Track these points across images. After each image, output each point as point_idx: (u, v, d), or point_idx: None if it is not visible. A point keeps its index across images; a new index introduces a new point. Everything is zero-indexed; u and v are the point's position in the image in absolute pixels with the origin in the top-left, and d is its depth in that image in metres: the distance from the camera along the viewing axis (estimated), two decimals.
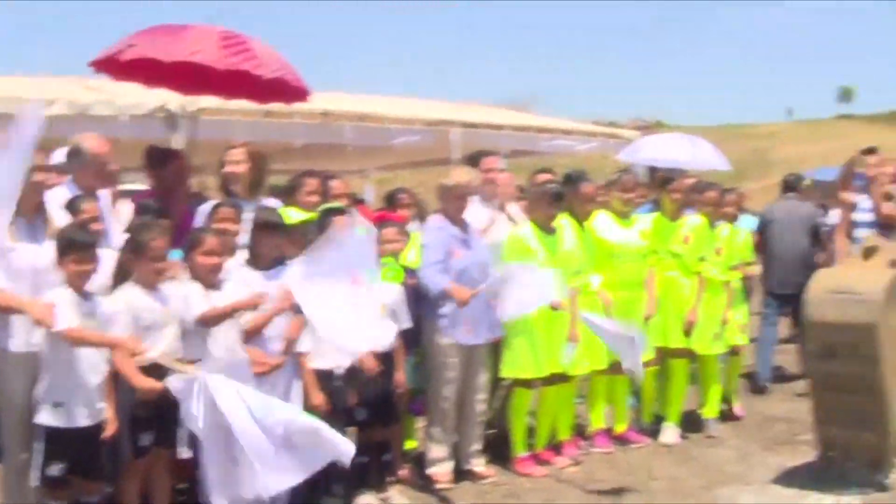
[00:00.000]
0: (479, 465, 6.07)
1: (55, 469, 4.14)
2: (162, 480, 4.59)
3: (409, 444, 6.31)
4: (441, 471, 5.85)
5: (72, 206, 4.71)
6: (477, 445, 6.08)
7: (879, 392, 5.27)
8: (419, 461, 6.06)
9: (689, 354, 7.10)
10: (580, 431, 6.84)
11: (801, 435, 6.82)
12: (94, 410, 4.24)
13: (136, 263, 4.41)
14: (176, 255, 4.73)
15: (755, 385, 8.56)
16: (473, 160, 6.83)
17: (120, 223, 5.13)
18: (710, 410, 7.27)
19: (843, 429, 5.49)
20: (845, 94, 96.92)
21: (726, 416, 7.54)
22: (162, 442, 4.44)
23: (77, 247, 4.18)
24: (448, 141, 9.12)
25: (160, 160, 5.82)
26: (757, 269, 7.77)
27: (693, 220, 7.14)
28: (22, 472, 4.22)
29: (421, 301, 5.82)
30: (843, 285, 5.37)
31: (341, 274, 4.67)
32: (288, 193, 6.11)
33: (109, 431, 4.27)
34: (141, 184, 7.03)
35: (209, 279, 4.64)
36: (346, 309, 4.61)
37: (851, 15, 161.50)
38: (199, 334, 4.54)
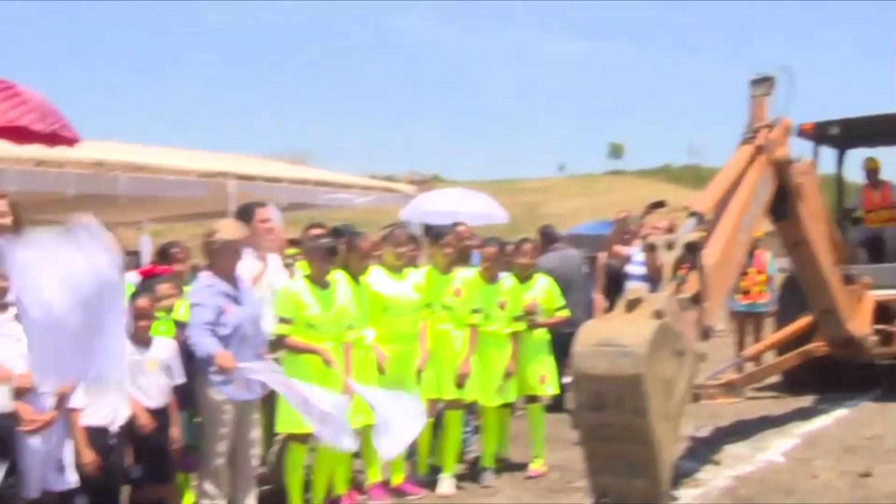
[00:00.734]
0: None
1: None
2: None
3: (187, 501, 6.32)
4: None
5: None
6: (251, 501, 6.13)
7: (648, 441, 5.52)
8: None
9: (463, 406, 7.42)
10: (358, 485, 6.99)
11: (575, 482, 7.19)
12: None
13: None
14: None
15: None
16: (245, 212, 6.94)
17: None
18: (487, 460, 7.57)
19: (616, 477, 5.70)
20: (615, 151, 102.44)
21: (506, 465, 7.87)
22: None
23: None
24: (225, 193, 9.17)
25: None
26: (566, 314, 8.09)
27: (464, 273, 7.50)
28: None
29: (194, 356, 5.88)
30: (608, 338, 5.58)
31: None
32: None
33: None
34: None
35: None
36: None
37: (620, 72, 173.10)
38: None
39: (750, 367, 12.23)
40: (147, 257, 10.19)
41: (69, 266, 4.13)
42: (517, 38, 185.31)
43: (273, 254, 6.92)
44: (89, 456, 4.96)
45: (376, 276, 7.01)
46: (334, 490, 6.59)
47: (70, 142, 5.87)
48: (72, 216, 4.55)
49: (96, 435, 5.05)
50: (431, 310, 7.27)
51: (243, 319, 5.94)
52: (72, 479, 4.99)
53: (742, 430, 9.36)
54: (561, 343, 7.90)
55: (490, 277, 7.58)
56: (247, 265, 6.37)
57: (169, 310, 5.93)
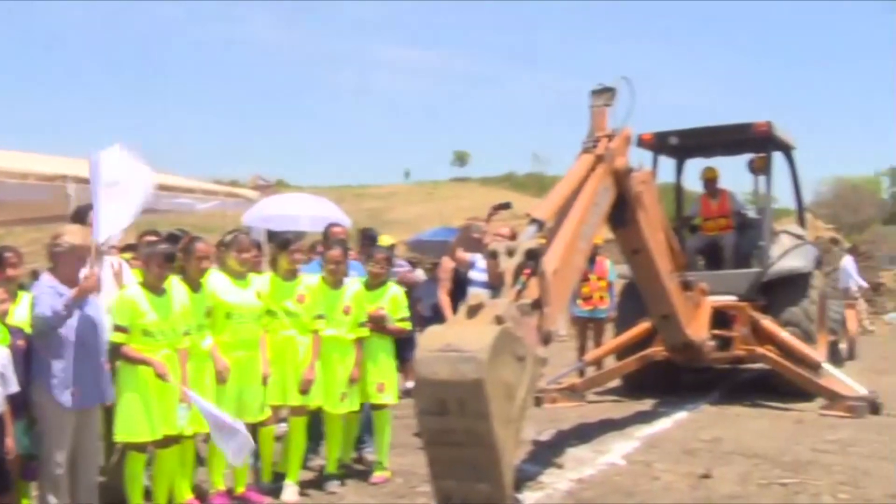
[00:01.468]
0: None
1: None
2: None
3: None
4: None
5: None
6: None
7: (491, 445, 5.61)
8: None
9: (307, 412, 7.51)
10: (200, 494, 6.99)
11: (419, 487, 7.35)
12: None
13: None
14: None
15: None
16: (80, 215, 6.86)
17: None
18: (332, 467, 7.66)
19: (459, 481, 5.77)
20: (460, 158, 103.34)
21: (351, 472, 7.98)
22: None
23: None
24: (65, 197, 8.97)
25: None
26: (406, 325, 8.21)
27: (308, 279, 7.60)
28: None
29: (30, 364, 5.84)
30: (450, 343, 5.65)
31: None
32: None
33: None
34: None
35: None
36: None
37: (466, 81, 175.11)
38: None
39: (591, 372, 12.65)
40: None
41: None
42: (365, 46, 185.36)
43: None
44: None
45: (219, 282, 7.02)
46: (175, 499, 6.59)
47: None
48: None
49: None
50: (275, 316, 7.33)
51: (84, 325, 5.93)
52: None
53: (583, 434, 9.64)
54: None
55: (334, 283, 7.68)
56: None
57: (2, 315, 5.80)
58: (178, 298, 6.54)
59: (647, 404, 11.65)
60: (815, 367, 11.14)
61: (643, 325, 11.88)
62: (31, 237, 19.08)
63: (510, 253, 6.50)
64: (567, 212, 7.54)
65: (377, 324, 7.86)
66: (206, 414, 6.24)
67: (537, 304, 6.53)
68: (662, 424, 10.27)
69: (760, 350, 11.47)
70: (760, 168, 13.45)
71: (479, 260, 8.88)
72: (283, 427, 8.02)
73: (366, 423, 8.29)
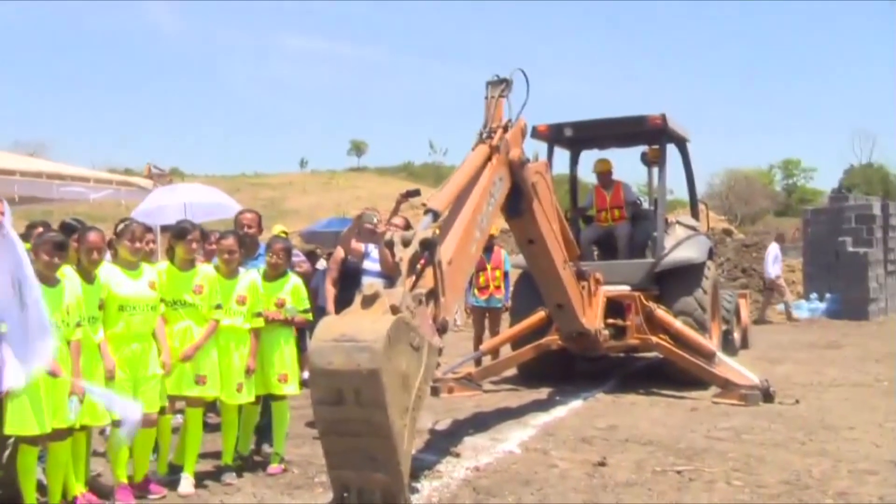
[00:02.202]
0: None
1: None
2: None
3: None
4: None
5: None
6: None
7: (388, 435, 5.68)
8: None
9: (203, 404, 7.55)
10: (98, 487, 7.00)
11: (317, 477, 7.45)
12: None
13: None
14: None
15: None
16: None
17: None
18: (227, 458, 7.67)
19: (356, 471, 5.84)
20: (357, 148, 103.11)
21: (249, 463, 7.99)
22: None
23: None
24: None
25: None
26: (308, 317, 8.18)
27: (205, 268, 7.59)
28: None
29: None
30: (345, 333, 5.70)
31: None
32: None
33: None
34: None
35: None
36: None
37: (362, 71, 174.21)
38: None
39: (488, 361, 12.79)
40: None
41: None
42: (260, 34, 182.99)
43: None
44: None
45: (111, 273, 6.94)
46: (69, 491, 6.53)
47: None
48: None
49: None
50: (172, 307, 7.30)
51: None
52: None
53: (480, 422, 9.80)
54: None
55: (228, 272, 7.68)
56: None
57: None
58: (70, 289, 6.46)
59: (543, 393, 11.84)
60: (708, 356, 11.44)
61: (538, 315, 12.07)
62: None
63: (406, 243, 6.56)
64: (462, 202, 7.62)
65: (277, 313, 7.87)
66: (100, 397, 6.21)
67: (433, 294, 6.61)
68: (558, 413, 10.45)
69: (654, 339, 11.74)
70: (654, 160, 13.75)
71: (373, 250, 8.92)
72: (178, 419, 7.97)
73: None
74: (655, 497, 6.85)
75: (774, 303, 23.84)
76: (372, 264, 8.87)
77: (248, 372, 7.60)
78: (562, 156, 14.15)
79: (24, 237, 7.53)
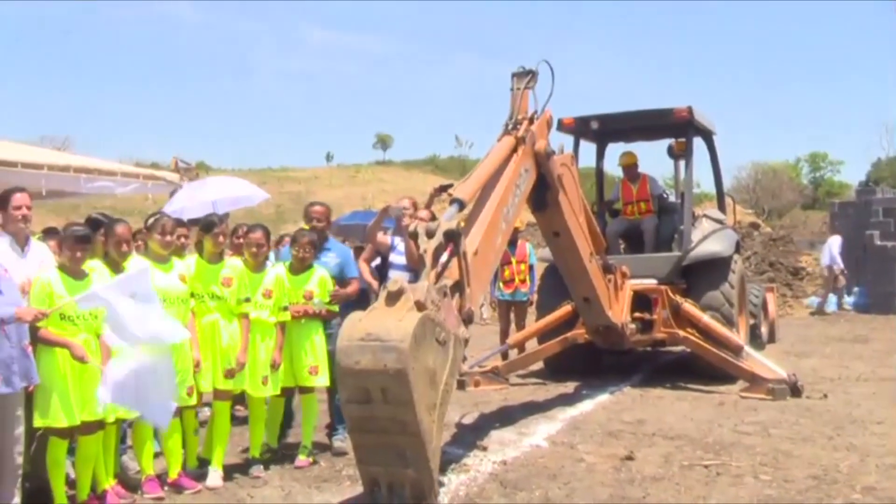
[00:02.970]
0: None
1: None
2: None
3: None
4: None
5: None
6: (16, 499, 6.06)
7: (415, 432, 5.68)
8: None
9: (231, 397, 7.57)
10: (128, 481, 7.06)
11: (345, 470, 7.47)
12: None
13: None
14: None
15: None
16: (3, 201, 6.76)
17: None
18: (255, 451, 7.70)
19: (385, 466, 5.87)
20: (382, 141, 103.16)
21: (277, 456, 8.02)
22: None
23: None
24: None
25: None
26: (335, 308, 8.15)
27: (233, 262, 7.60)
28: None
29: None
30: (371, 333, 5.69)
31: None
32: None
33: None
34: None
35: None
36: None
37: (388, 65, 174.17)
38: None
39: (514, 355, 12.75)
40: None
41: None
42: (287, 28, 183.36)
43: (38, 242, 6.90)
44: None
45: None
46: (99, 485, 6.57)
47: None
48: None
49: None
50: (201, 300, 7.31)
51: (3, 311, 5.86)
52: None
53: (507, 416, 9.80)
54: None
55: (256, 266, 7.71)
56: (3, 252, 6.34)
57: None
58: (96, 282, 6.46)
59: (569, 387, 11.82)
60: (736, 349, 11.37)
61: (565, 308, 12.03)
62: None
63: (430, 234, 6.53)
64: (488, 193, 7.60)
65: (304, 308, 7.88)
66: (125, 389, 6.19)
67: (458, 286, 6.58)
68: (585, 407, 10.43)
69: (681, 333, 11.68)
70: (680, 153, 13.67)
71: (399, 243, 8.90)
72: (205, 412, 7.98)
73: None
74: (683, 491, 6.83)
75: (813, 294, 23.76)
76: (398, 257, 8.85)
77: (275, 366, 7.61)
78: (588, 149, 14.12)
79: (56, 231, 7.63)
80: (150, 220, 7.24)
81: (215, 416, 7.50)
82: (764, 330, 16.06)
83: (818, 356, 14.68)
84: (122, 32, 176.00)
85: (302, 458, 7.83)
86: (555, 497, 6.73)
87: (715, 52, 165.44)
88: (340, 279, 8.38)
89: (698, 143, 13.67)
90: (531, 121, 8.37)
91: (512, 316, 14.06)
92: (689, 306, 11.83)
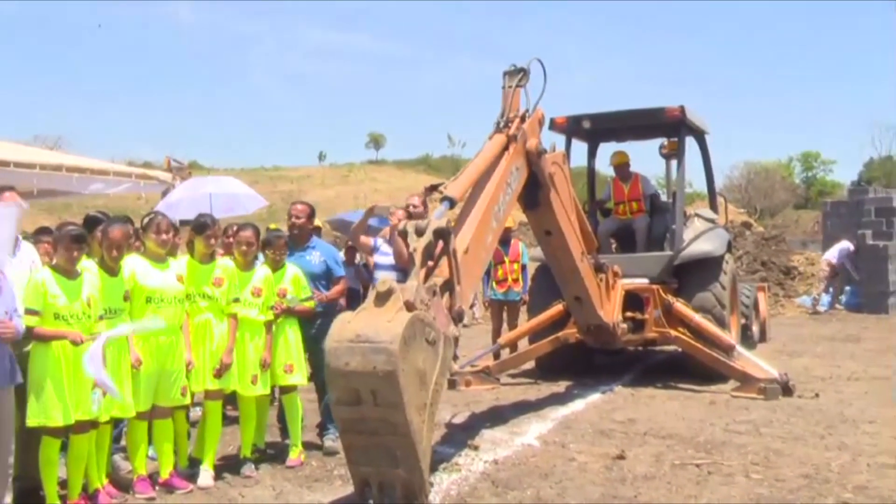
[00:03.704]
0: None
1: None
2: None
3: None
4: None
5: None
6: (7, 499, 6.05)
7: (406, 433, 5.68)
8: None
9: (222, 396, 7.56)
10: (120, 481, 7.06)
11: (336, 470, 7.47)
12: None
13: None
14: None
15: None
16: None
17: None
18: (246, 451, 7.70)
19: (376, 467, 5.86)
20: (375, 141, 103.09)
21: (267, 455, 8.03)
22: None
23: None
24: None
25: None
26: (312, 304, 8.19)
27: (224, 262, 7.61)
28: None
29: None
30: (360, 334, 5.67)
31: None
32: None
33: None
34: None
35: None
36: None
37: (381, 64, 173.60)
38: None
39: (506, 354, 12.75)
40: None
41: None
42: (280, 27, 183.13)
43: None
44: None
45: (138, 265, 6.97)
46: (91, 484, 6.56)
47: None
48: None
49: None
50: (193, 301, 7.33)
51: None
52: None
53: (498, 415, 9.80)
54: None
55: (245, 264, 7.72)
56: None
57: None
58: (89, 282, 6.49)
59: (561, 386, 11.83)
60: (727, 349, 11.37)
61: (556, 308, 12.03)
62: None
63: (420, 232, 6.50)
64: (479, 191, 7.58)
65: (281, 304, 7.88)
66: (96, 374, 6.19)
67: (448, 284, 6.57)
68: (576, 406, 10.43)
69: (673, 332, 11.70)
70: (672, 152, 13.68)
71: (382, 244, 8.88)
72: (197, 412, 7.96)
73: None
74: (674, 490, 6.84)
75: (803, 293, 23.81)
76: (382, 258, 8.84)
77: (265, 365, 7.63)
78: (580, 148, 14.13)
79: (49, 231, 7.61)
80: (146, 220, 7.23)
81: (207, 415, 7.49)
82: (755, 329, 16.09)
83: (810, 355, 14.70)
84: (115, 32, 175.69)
85: (293, 458, 7.83)
86: (546, 496, 6.74)
87: (708, 51, 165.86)
88: (327, 279, 8.37)
89: (690, 143, 13.68)
90: (523, 119, 8.36)
91: (504, 315, 14.07)
92: (680, 306, 11.84)
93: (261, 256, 8.12)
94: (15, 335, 5.93)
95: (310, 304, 8.15)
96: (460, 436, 8.73)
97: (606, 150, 14.40)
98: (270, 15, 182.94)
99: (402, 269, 8.11)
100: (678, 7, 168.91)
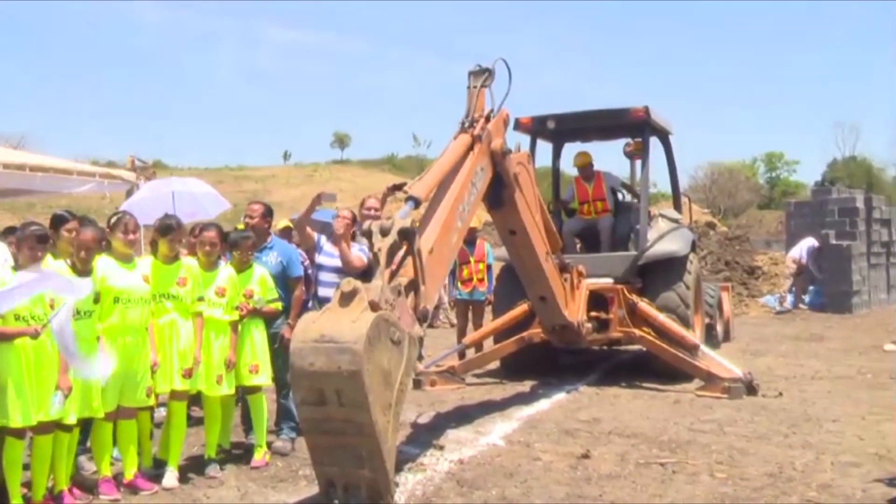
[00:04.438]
0: None
1: None
2: None
3: None
4: None
5: None
6: None
7: (371, 433, 5.71)
8: None
9: (187, 397, 7.53)
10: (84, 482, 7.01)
11: (301, 470, 7.46)
12: None
13: None
14: None
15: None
16: None
17: None
18: (211, 451, 7.69)
19: (341, 467, 5.89)
20: (340, 141, 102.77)
21: (231, 456, 8.03)
22: None
23: None
24: None
25: None
26: (279, 306, 8.23)
27: (188, 261, 7.59)
28: None
29: None
30: (325, 334, 5.68)
31: None
32: None
33: None
34: None
35: None
36: None
37: (345, 63, 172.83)
38: None
39: (471, 354, 12.76)
40: None
41: None
42: (244, 26, 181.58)
43: None
44: None
45: (107, 265, 6.94)
46: (56, 485, 6.54)
47: None
48: None
49: None
50: (157, 301, 7.29)
51: None
52: None
53: (463, 415, 9.83)
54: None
55: (208, 264, 7.71)
56: None
57: None
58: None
59: (526, 386, 11.87)
60: (691, 348, 11.45)
61: (521, 308, 12.06)
62: None
63: (384, 232, 6.50)
64: (444, 191, 7.59)
65: (248, 305, 7.87)
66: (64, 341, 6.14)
67: (413, 284, 6.58)
68: (541, 405, 10.47)
69: (637, 332, 11.77)
70: (636, 152, 13.75)
71: (326, 243, 8.82)
72: (161, 412, 7.93)
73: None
74: (639, 489, 6.88)
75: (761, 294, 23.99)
76: (326, 258, 8.80)
77: (229, 365, 7.62)
78: (544, 148, 14.16)
79: (13, 229, 7.54)
80: (113, 219, 7.18)
81: (171, 416, 7.46)
82: (719, 329, 16.19)
83: (773, 355, 14.83)
84: (78, 29, 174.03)
85: (257, 458, 7.81)
86: (511, 496, 6.76)
87: (672, 52, 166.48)
88: (283, 279, 8.36)
89: (654, 143, 13.75)
90: (487, 119, 8.37)
91: (469, 315, 14.08)
92: (644, 305, 11.91)
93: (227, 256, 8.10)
94: None
95: (276, 306, 8.17)
96: (425, 436, 8.75)
97: (571, 150, 14.48)
98: (234, 13, 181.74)
99: (349, 274, 8.12)
100: (642, 8, 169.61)
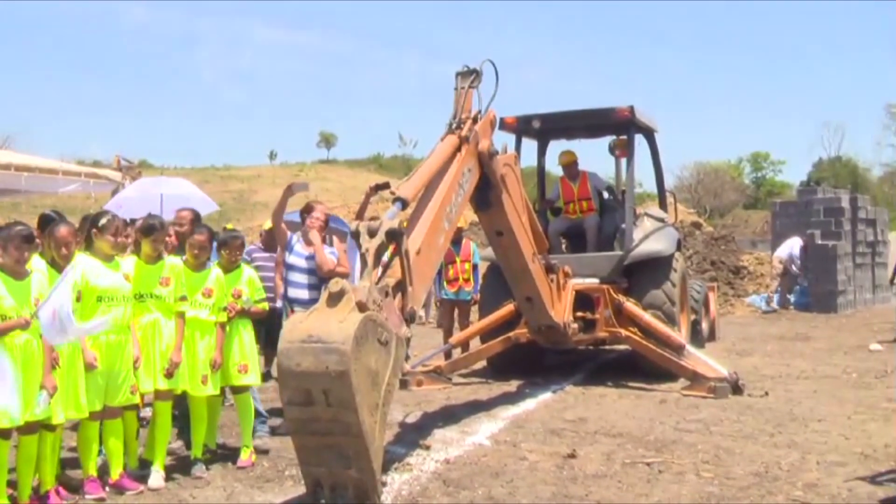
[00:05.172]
0: None
1: None
2: None
3: None
4: None
5: None
6: None
7: (358, 434, 5.73)
8: None
9: (172, 397, 7.51)
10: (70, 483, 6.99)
11: (287, 470, 7.46)
12: None
13: None
14: None
15: None
16: None
17: None
18: (197, 451, 7.68)
19: (328, 468, 5.91)
20: (326, 140, 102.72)
21: (217, 456, 8.02)
22: None
23: None
24: None
25: None
26: (265, 306, 8.29)
27: (172, 260, 7.58)
28: None
29: None
30: (313, 334, 5.70)
31: None
32: None
33: None
34: None
35: None
36: None
37: (332, 63, 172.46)
38: None
39: (457, 354, 12.79)
40: None
41: None
42: (230, 25, 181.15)
43: None
44: None
45: (89, 265, 6.91)
46: (42, 486, 6.53)
47: None
48: None
49: None
50: (140, 300, 7.27)
51: None
52: None
53: (450, 415, 9.84)
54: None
55: (196, 265, 7.70)
56: None
57: None
58: (39, 282, 6.42)
59: (512, 385, 11.89)
60: (677, 348, 11.49)
61: (507, 308, 12.09)
62: None
63: (372, 233, 6.52)
64: (431, 192, 7.62)
65: (236, 305, 7.88)
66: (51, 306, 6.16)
67: (400, 285, 6.60)
68: (528, 405, 10.49)
69: (623, 332, 11.80)
70: (622, 151, 13.76)
71: (296, 243, 8.80)
72: (146, 412, 7.93)
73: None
74: (625, 489, 6.91)
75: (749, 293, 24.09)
76: (296, 259, 8.72)
77: (215, 365, 7.62)
78: (530, 147, 14.17)
79: None
80: (103, 221, 7.14)
81: (157, 416, 7.47)
82: (705, 328, 16.24)
83: (759, 354, 14.89)
84: (64, 29, 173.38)
85: (244, 458, 7.82)
86: (498, 495, 6.78)
87: (657, 52, 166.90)
88: None
89: (640, 142, 13.79)
90: (475, 120, 8.41)
91: (455, 315, 14.10)
92: (630, 305, 11.95)
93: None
94: None
95: (263, 306, 8.20)
96: (412, 435, 8.76)
97: (556, 149, 14.50)
98: (219, 13, 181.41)
99: (322, 278, 8.15)
100: (628, 7, 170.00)
